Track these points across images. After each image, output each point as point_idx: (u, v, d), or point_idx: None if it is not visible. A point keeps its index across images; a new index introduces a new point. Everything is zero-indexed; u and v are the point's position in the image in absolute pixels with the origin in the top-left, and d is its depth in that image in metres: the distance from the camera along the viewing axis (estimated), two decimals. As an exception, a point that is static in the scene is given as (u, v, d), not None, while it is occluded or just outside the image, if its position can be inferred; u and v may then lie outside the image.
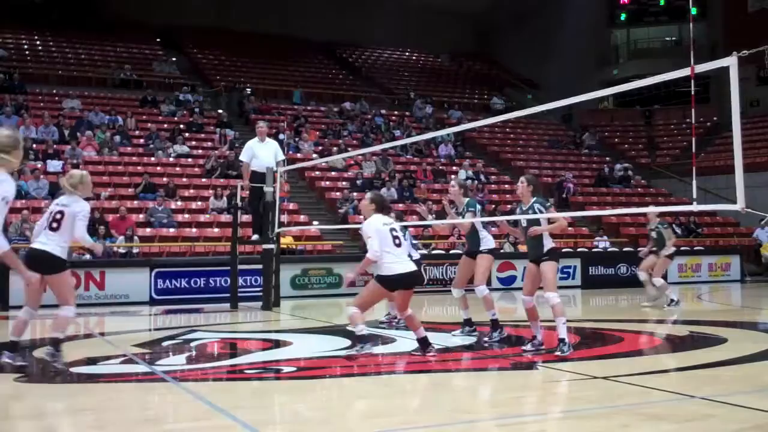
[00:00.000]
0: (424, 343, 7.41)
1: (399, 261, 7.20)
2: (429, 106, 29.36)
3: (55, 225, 6.62)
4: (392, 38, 36.83)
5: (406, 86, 32.70)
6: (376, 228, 7.26)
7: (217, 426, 4.92)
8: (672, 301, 12.91)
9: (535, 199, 7.44)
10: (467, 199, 8.81)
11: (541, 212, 7.41)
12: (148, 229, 17.28)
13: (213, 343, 9.04)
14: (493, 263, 8.79)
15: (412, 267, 7.36)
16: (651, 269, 13.16)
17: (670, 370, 6.63)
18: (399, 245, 7.27)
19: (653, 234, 13.21)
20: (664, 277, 13.49)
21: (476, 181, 23.22)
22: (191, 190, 19.80)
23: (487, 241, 8.71)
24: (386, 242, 7.20)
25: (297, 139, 23.39)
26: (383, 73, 34.68)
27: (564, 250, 19.06)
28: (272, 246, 13.09)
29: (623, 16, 36.68)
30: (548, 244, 7.38)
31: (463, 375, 7.01)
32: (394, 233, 7.31)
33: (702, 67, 5.66)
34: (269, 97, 27.51)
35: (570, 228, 21.83)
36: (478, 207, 8.86)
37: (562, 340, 7.15)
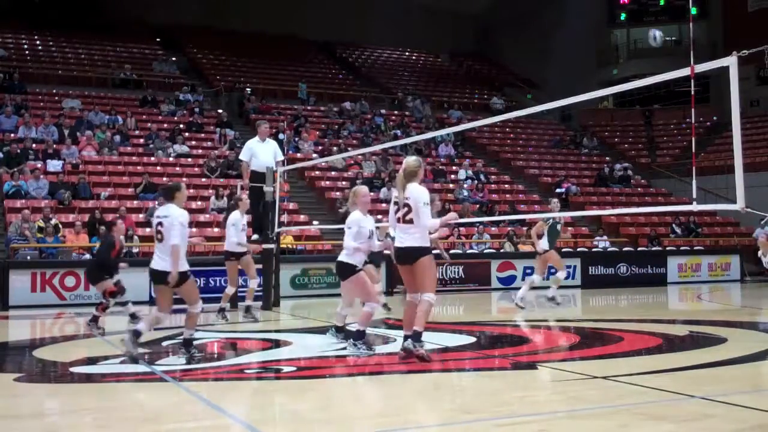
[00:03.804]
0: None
1: None
2: (426, 105, 29.34)
3: None
4: (392, 38, 36.82)
5: (405, 86, 32.70)
6: None
7: (217, 426, 4.92)
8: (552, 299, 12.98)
9: None
10: None
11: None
12: (148, 229, 17.20)
13: (213, 343, 9.04)
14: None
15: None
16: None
17: (670, 370, 6.62)
18: None
19: None
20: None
21: (476, 181, 23.24)
22: (191, 190, 19.78)
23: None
24: None
25: (297, 139, 23.39)
26: (383, 73, 34.67)
27: (564, 249, 19.05)
28: (272, 246, 13.09)
29: (623, 16, 36.68)
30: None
31: (463, 375, 7.01)
32: None
33: (702, 67, 5.67)
34: (269, 96, 27.50)
35: (570, 228, 21.85)
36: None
37: None
